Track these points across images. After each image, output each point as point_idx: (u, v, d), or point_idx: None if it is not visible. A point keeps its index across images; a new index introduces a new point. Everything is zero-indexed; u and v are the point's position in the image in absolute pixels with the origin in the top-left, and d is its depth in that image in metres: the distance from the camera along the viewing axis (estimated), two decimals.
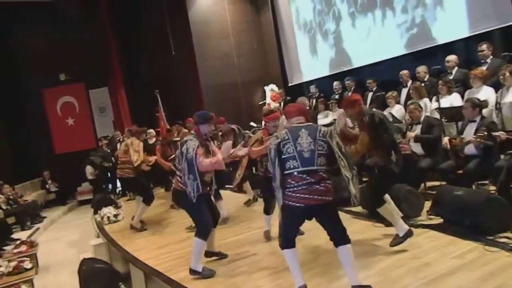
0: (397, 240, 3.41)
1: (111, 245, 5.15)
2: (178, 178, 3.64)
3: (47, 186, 11.10)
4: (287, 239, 2.81)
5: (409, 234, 3.40)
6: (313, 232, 3.79)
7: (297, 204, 2.67)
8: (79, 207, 11.05)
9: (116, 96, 11.20)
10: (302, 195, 2.66)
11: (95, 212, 6.88)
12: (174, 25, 10.69)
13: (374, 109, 3.61)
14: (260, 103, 10.67)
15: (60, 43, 11.18)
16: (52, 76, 11.75)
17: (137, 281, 4.18)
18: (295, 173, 2.68)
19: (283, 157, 2.71)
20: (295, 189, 2.67)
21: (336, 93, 8.05)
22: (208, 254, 3.81)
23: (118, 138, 9.47)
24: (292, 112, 2.97)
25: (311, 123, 2.93)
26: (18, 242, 5.87)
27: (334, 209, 2.82)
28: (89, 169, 10.35)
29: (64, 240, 7.80)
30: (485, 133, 3.93)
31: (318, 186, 2.67)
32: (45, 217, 9.48)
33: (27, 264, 4.70)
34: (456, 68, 5.63)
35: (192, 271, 3.47)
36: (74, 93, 12.10)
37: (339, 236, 2.77)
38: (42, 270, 5.89)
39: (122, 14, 11.61)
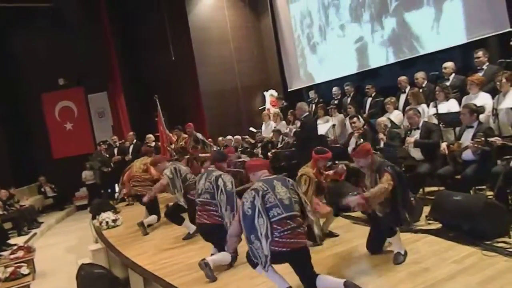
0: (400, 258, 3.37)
1: (110, 251, 5.14)
2: (212, 212, 3.73)
3: (42, 190, 11.06)
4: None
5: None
6: None
7: (283, 249, 2.81)
8: (77, 212, 11.02)
9: (115, 101, 11.22)
10: (287, 240, 2.82)
11: (94, 217, 6.86)
12: (174, 30, 10.75)
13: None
14: (260, 108, 10.71)
15: (60, 47, 11.21)
16: (51, 81, 11.78)
17: (136, 286, 4.18)
18: (280, 219, 2.84)
19: (266, 206, 2.86)
20: (281, 234, 2.82)
21: (335, 98, 8.09)
22: None
23: (116, 143, 9.49)
24: (257, 166, 3.22)
25: (276, 175, 3.19)
26: (15, 247, 5.83)
27: (309, 253, 2.97)
28: (86, 174, 10.35)
29: (61, 245, 7.77)
30: (482, 138, 3.96)
31: (299, 230, 2.89)
32: (42, 222, 9.44)
33: (24, 270, 4.68)
34: (453, 74, 5.68)
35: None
36: (73, 98, 12.12)
37: (310, 283, 2.89)
38: (39, 275, 5.88)
39: (122, 19, 11.66)
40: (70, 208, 11.26)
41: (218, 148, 8.33)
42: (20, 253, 5.37)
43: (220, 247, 3.72)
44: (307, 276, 2.89)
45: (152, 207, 5.82)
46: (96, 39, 11.04)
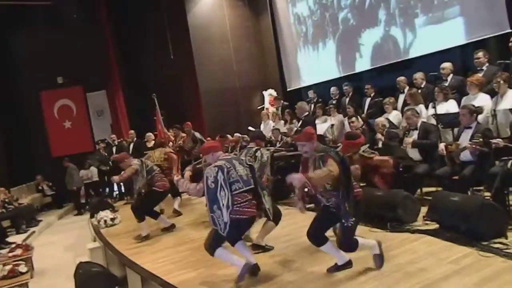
0: (334, 268, 3.29)
1: (108, 249, 5.14)
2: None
3: (40, 188, 11.05)
4: (217, 245, 3.37)
5: (348, 264, 3.28)
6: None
7: (244, 217, 3.34)
8: (75, 210, 11.00)
9: (114, 100, 11.21)
10: (246, 209, 3.34)
11: (92, 216, 6.87)
12: (173, 30, 10.74)
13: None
14: (259, 107, 10.72)
15: (59, 46, 11.19)
16: (50, 79, 11.76)
17: (134, 285, 4.18)
18: (240, 192, 3.35)
19: (229, 181, 3.33)
20: (241, 204, 3.33)
21: (334, 98, 8.10)
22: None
23: (114, 142, 9.48)
24: (215, 147, 3.60)
25: (231, 155, 3.77)
26: (13, 245, 5.83)
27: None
28: (84, 173, 10.34)
29: (60, 243, 7.76)
30: (481, 139, 3.97)
31: (253, 202, 3.44)
32: (40, 221, 9.44)
33: (22, 268, 4.68)
34: (451, 75, 5.68)
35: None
36: (72, 96, 12.11)
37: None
38: (37, 274, 5.88)
39: (121, 18, 11.65)
40: (69, 206, 11.24)
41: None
42: (18, 251, 5.37)
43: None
44: None
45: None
46: (95, 37, 11.03)
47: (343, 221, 3.11)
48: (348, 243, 3.19)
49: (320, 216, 3.31)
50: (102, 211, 6.53)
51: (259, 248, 3.98)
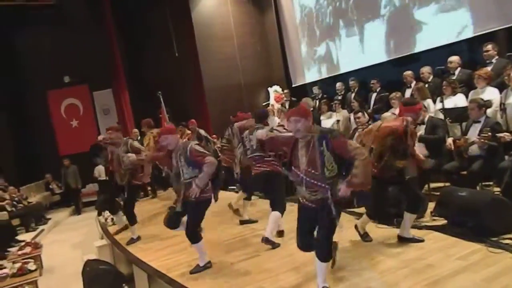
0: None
1: (115, 247, 5.16)
2: (272, 161, 4.12)
3: (50, 187, 11.17)
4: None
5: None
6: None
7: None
8: (83, 208, 11.10)
9: (119, 98, 11.25)
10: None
11: (99, 214, 6.90)
12: (177, 27, 10.73)
13: None
14: (264, 104, 10.68)
15: (65, 45, 11.26)
16: (57, 78, 11.85)
17: (141, 282, 4.19)
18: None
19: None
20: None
21: (339, 94, 8.04)
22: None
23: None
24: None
25: None
26: (22, 243, 5.90)
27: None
28: (99, 170, 10.40)
29: (68, 241, 7.84)
30: (489, 133, 3.91)
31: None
32: (49, 219, 9.53)
33: (31, 266, 4.72)
34: (459, 68, 5.60)
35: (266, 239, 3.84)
36: (78, 95, 12.19)
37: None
38: (46, 271, 5.94)
39: (126, 16, 11.67)
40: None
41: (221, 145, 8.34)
42: (28, 249, 5.43)
43: (272, 196, 4.17)
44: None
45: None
46: (100, 36, 11.07)
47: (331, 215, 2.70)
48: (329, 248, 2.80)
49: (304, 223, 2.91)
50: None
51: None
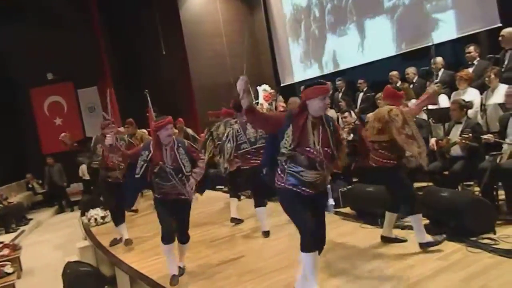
0: None
1: (97, 248, 5.08)
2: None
3: (30, 187, 10.95)
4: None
5: None
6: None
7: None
8: (68, 208, 10.91)
9: (105, 96, 11.05)
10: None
11: (83, 214, 6.79)
12: (165, 24, 10.60)
13: None
14: (253, 103, 10.63)
15: (48, 42, 10.98)
16: (40, 75, 11.58)
17: (123, 285, 4.13)
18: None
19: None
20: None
21: None
22: None
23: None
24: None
25: None
26: (0, 245, 5.75)
27: None
28: (83, 169, 10.22)
29: (50, 242, 7.68)
30: (470, 134, 3.96)
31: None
32: (31, 219, 9.34)
33: (8, 269, 4.60)
34: (442, 69, 5.66)
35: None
36: (62, 93, 11.94)
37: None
38: (26, 273, 5.81)
39: (112, 13, 11.46)
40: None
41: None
42: (6, 251, 5.29)
43: (260, 191, 4.23)
44: None
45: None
46: (86, 33, 10.86)
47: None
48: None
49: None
50: (93, 209, 6.46)
51: None
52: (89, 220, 6.23)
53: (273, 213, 4.57)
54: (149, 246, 4.62)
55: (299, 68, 10.06)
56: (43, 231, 8.85)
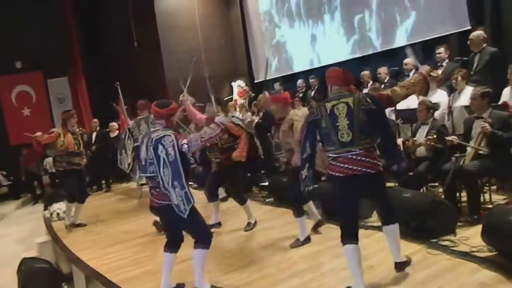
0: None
1: (56, 244, 4.88)
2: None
3: None
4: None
5: None
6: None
7: None
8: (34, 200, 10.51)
9: (76, 87, 10.72)
10: None
11: (46, 208, 6.54)
12: (138, 15, 10.30)
13: None
14: (226, 98, 10.50)
15: (17, 29, 10.52)
16: (8, 64, 11.08)
17: (79, 282, 3.97)
18: None
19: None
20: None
21: (300, 91, 8.03)
22: None
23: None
24: None
25: None
26: None
27: None
28: (48, 162, 9.87)
29: (13, 236, 7.36)
30: (435, 136, 3.98)
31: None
32: None
33: None
34: (413, 70, 5.69)
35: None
36: (31, 82, 11.45)
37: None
38: None
39: (84, 2, 11.09)
40: (27, 197, 10.72)
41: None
42: None
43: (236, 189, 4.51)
44: None
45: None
46: (56, 21, 10.45)
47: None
48: None
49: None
50: (57, 203, 6.22)
51: None
52: (51, 214, 6.00)
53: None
54: (114, 240, 4.48)
55: (273, 65, 10.00)
56: (7, 224, 8.49)
